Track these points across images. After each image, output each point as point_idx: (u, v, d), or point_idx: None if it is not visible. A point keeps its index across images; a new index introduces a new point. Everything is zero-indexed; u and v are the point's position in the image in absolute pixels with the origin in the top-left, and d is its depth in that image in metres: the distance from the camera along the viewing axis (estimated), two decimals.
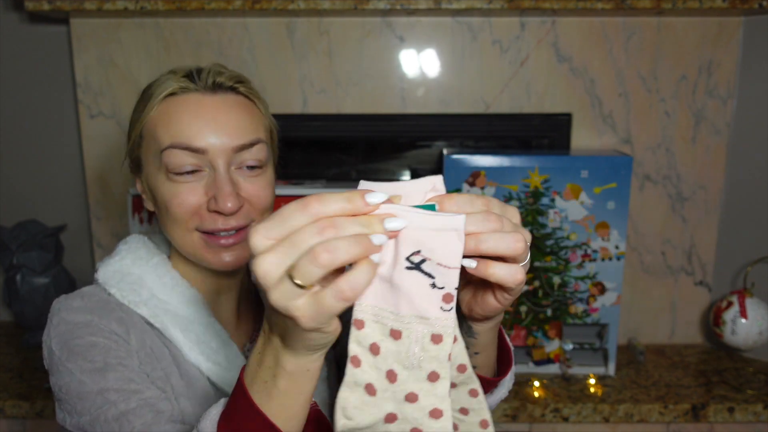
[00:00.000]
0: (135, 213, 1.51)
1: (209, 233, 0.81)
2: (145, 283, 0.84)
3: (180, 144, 0.78)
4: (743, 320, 1.53)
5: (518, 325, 1.56)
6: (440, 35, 1.59)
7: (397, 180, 1.77)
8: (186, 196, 0.79)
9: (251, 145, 0.81)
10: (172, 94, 0.81)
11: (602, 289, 1.53)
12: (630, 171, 1.46)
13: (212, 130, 0.79)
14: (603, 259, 1.51)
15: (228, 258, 0.83)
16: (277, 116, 1.73)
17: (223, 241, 0.81)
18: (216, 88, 0.81)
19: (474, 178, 1.48)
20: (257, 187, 0.82)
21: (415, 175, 1.80)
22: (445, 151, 1.53)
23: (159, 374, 0.79)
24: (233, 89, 0.82)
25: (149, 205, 0.87)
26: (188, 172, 0.79)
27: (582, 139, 1.64)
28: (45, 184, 1.80)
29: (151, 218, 1.51)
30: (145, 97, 0.84)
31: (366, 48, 1.60)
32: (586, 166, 1.47)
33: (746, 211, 1.66)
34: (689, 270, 1.71)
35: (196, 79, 0.81)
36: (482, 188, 1.49)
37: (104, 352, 0.76)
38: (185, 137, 0.78)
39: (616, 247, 1.50)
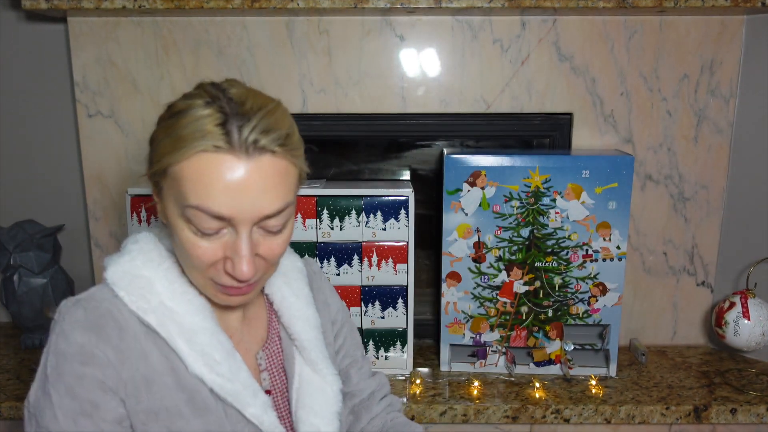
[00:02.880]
0: (133, 213, 1.50)
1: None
2: (154, 289, 0.83)
3: (206, 210, 0.74)
4: (746, 321, 1.52)
5: (519, 325, 1.55)
6: (440, 34, 1.59)
7: (399, 180, 1.77)
8: (205, 252, 0.78)
9: (279, 212, 0.78)
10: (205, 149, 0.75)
11: (603, 290, 1.52)
12: (631, 171, 1.46)
13: (240, 201, 0.74)
14: (604, 260, 1.50)
15: (236, 301, 0.83)
16: None
17: (233, 292, 0.81)
18: (255, 149, 0.74)
19: (474, 177, 1.48)
20: (275, 244, 0.80)
21: (414, 175, 1.79)
22: (445, 151, 1.52)
23: (143, 407, 0.79)
24: (272, 151, 0.76)
25: (163, 217, 0.83)
26: (209, 234, 0.77)
27: (583, 138, 1.63)
28: (43, 184, 1.79)
29: (149, 219, 1.50)
30: (173, 130, 0.76)
31: (366, 47, 1.59)
32: (587, 165, 1.46)
33: (749, 211, 1.65)
34: (691, 270, 1.70)
35: (236, 137, 0.73)
36: (482, 188, 1.48)
37: (89, 388, 0.76)
38: (213, 204, 0.74)
39: (618, 248, 1.50)
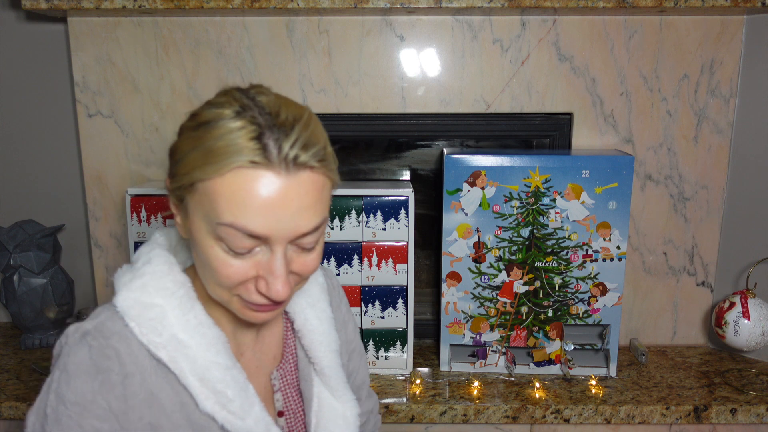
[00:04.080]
0: (133, 213, 1.50)
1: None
2: (167, 320, 0.77)
3: (241, 228, 0.70)
4: (746, 321, 1.52)
5: (519, 325, 1.55)
6: (440, 34, 1.58)
7: (399, 180, 1.77)
8: (236, 271, 0.73)
9: (316, 229, 0.74)
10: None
11: (603, 290, 1.52)
12: (631, 171, 1.45)
13: (279, 219, 0.70)
14: (604, 260, 1.50)
15: (262, 318, 0.78)
16: None
17: (263, 309, 0.77)
18: (294, 165, 0.70)
19: (474, 177, 1.47)
20: (309, 260, 0.76)
21: (414, 175, 1.79)
22: (445, 151, 1.52)
23: None
24: (311, 167, 0.72)
25: (183, 232, 0.79)
26: (242, 253, 0.73)
27: (583, 138, 1.63)
28: (42, 184, 1.79)
29: (149, 219, 1.50)
30: (203, 142, 0.71)
31: (366, 47, 1.59)
32: (587, 165, 1.46)
33: (749, 211, 1.65)
34: (691, 270, 1.70)
35: (275, 152, 0.69)
36: (483, 188, 1.48)
37: None
38: (249, 223, 0.70)
39: (618, 248, 1.49)
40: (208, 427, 0.79)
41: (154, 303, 0.78)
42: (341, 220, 1.49)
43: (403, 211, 1.49)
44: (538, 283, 1.52)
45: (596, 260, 1.50)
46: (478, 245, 1.51)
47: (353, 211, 1.49)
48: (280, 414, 0.91)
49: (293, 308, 0.93)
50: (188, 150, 0.72)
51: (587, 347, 1.57)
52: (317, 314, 0.93)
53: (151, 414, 0.77)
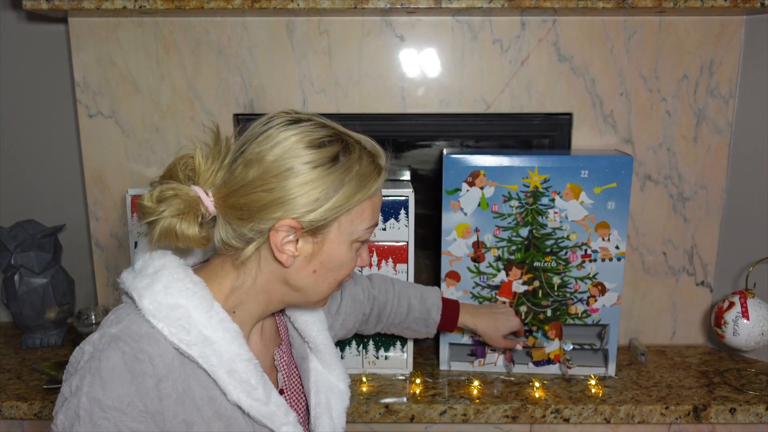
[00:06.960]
0: (134, 213, 1.50)
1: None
2: (192, 319, 0.82)
3: (374, 224, 0.91)
4: (745, 321, 1.52)
5: None
6: (440, 34, 1.59)
7: (399, 180, 1.77)
8: (355, 257, 0.91)
9: None
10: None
11: (602, 290, 1.52)
12: (630, 171, 1.46)
13: None
14: (603, 260, 1.51)
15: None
16: None
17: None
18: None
19: (473, 177, 1.48)
20: None
21: (414, 175, 1.79)
22: (445, 151, 1.52)
23: None
24: None
25: (289, 261, 0.86)
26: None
27: (583, 138, 1.64)
28: (43, 184, 1.79)
29: None
30: (348, 174, 0.85)
31: (366, 47, 1.59)
32: (586, 165, 1.46)
33: (748, 211, 1.66)
34: (690, 270, 1.70)
35: (383, 165, 0.91)
36: (482, 188, 1.48)
37: None
38: (377, 218, 0.92)
39: (617, 248, 1.50)
40: (235, 416, 0.85)
41: (178, 304, 0.82)
42: None
43: (402, 211, 1.50)
44: (537, 283, 1.53)
45: (595, 260, 1.51)
46: (477, 245, 1.52)
47: None
48: (281, 392, 0.96)
49: None
50: (338, 185, 0.83)
51: (586, 347, 1.57)
52: None
53: (185, 411, 0.80)
